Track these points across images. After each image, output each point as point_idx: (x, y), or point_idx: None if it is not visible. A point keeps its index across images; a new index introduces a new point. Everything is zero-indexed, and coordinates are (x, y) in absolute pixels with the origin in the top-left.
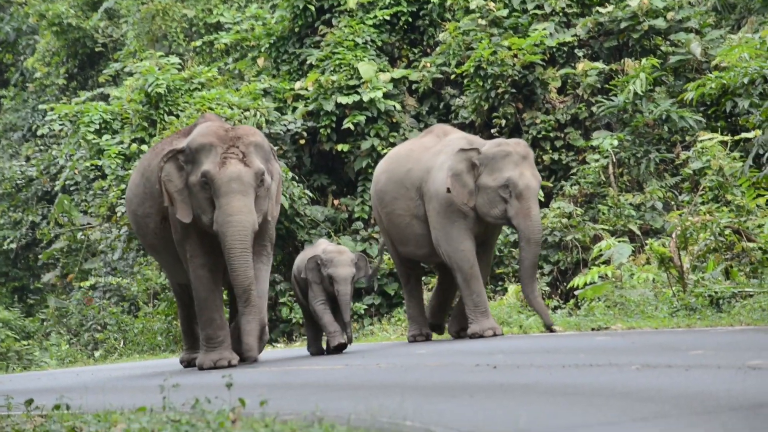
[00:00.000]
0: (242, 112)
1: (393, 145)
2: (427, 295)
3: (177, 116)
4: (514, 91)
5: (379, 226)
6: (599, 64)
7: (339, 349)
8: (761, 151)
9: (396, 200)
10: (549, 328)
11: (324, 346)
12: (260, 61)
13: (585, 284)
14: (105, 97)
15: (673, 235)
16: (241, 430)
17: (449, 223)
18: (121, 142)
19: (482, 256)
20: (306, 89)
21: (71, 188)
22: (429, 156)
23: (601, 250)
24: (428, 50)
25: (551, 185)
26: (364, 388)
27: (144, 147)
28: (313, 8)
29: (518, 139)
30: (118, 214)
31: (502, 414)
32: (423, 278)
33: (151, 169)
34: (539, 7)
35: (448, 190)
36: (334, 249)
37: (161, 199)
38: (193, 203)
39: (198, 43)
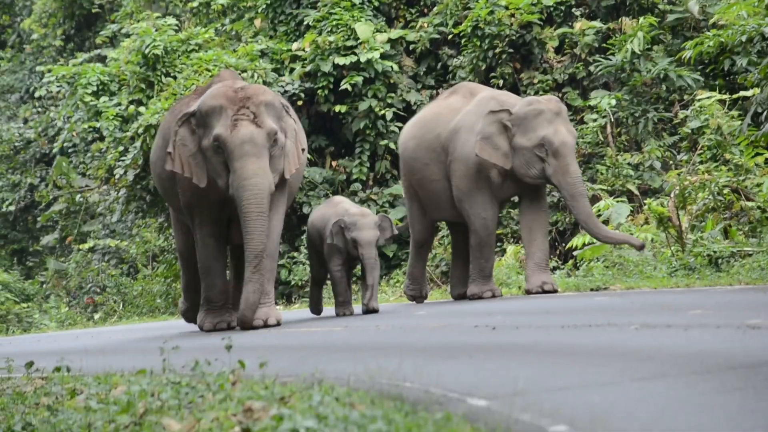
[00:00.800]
0: (240, 74)
1: (390, 106)
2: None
3: (174, 78)
4: (511, 51)
5: (406, 192)
6: (597, 24)
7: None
8: (759, 110)
9: (427, 166)
10: (641, 248)
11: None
12: (257, 22)
13: (583, 245)
14: (102, 59)
15: (672, 195)
16: (241, 391)
17: (475, 189)
18: (119, 104)
19: (530, 216)
20: (303, 50)
21: (69, 150)
22: (458, 118)
23: (599, 210)
24: (425, 10)
25: None
26: (363, 350)
27: (141, 109)
28: None
29: (550, 96)
30: (117, 176)
31: (501, 375)
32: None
33: (171, 132)
34: None
35: (476, 155)
36: (357, 211)
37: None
38: (207, 167)
39: (195, 3)
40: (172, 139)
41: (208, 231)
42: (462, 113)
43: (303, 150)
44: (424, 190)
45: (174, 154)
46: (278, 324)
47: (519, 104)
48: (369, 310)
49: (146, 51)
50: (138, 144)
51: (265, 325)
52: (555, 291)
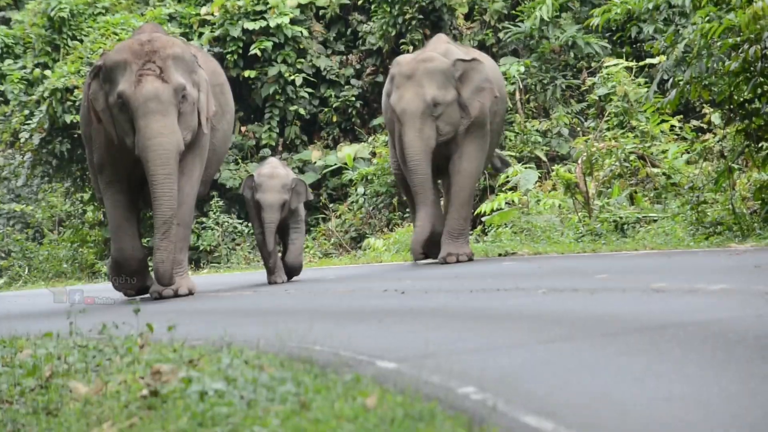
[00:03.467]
0: None
1: (300, 71)
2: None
3: (81, 41)
4: (421, 17)
5: None
6: None
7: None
8: (665, 77)
9: None
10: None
11: None
12: None
13: (492, 210)
14: (6, 21)
15: (579, 161)
16: (149, 354)
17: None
18: (24, 67)
19: (448, 180)
20: (212, 14)
21: None
22: None
23: (507, 177)
24: None
25: None
26: (273, 314)
27: (47, 72)
28: None
29: (419, 54)
30: (22, 140)
31: (410, 338)
32: None
33: (87, 87)
34: None
35: None
36: (266, 173)
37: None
38: (115, 126)
39: None
40: (84, 93)
41: (117, 188)
42: None
43: (222, 113)
44: None
45: (89, 109)
46: (190, 294)
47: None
48: (270, 282)
49: (52, 14)
50: (44, 108)
51: (176, 295)
52: (459, 263)
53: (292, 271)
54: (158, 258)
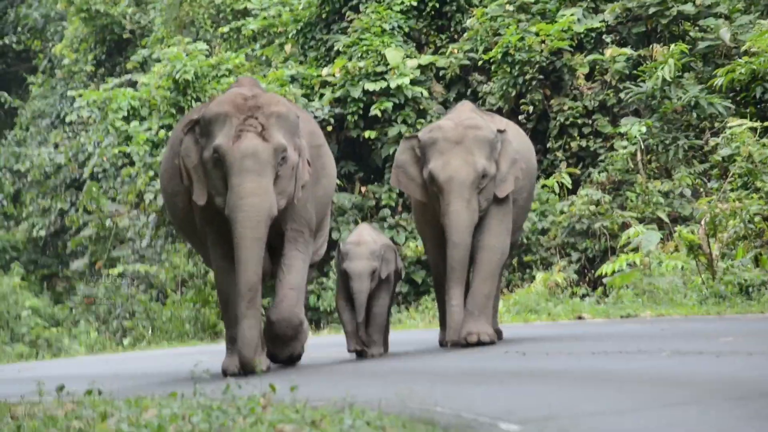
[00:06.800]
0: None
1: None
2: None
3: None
4: (541, 77)
5: None
6: (627, 50)
7: (358, 354)
8: None
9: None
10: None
11: None
12: (287, 48)
13: (613, 272)
14: (133, 84)
15: (702, 222)
16: (272, 415)
17: (422, 221)
18: (149, 129)
19: (474, 253)
20: (333, 75)
21: (99, 175)
22: None
23: (629, 238)
24: (455, 36)
25: (579, 172)
26: (394, 375)
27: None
28: None
29: (461, 120)
30: (146, 201)
31: (532, 399)
32: None
33: (177, 142)
34: None
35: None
36: (354, 239)
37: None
38: (207, 182)
39: (225, 29)
40: (178, 149)
41: (220, 253)
42: None
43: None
44: None
45: (180, 166)
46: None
47: (424, 130)
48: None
49: (177, 76)
50: None
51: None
52: (481, 343)
53: (370, 344)
54: (244, 326)
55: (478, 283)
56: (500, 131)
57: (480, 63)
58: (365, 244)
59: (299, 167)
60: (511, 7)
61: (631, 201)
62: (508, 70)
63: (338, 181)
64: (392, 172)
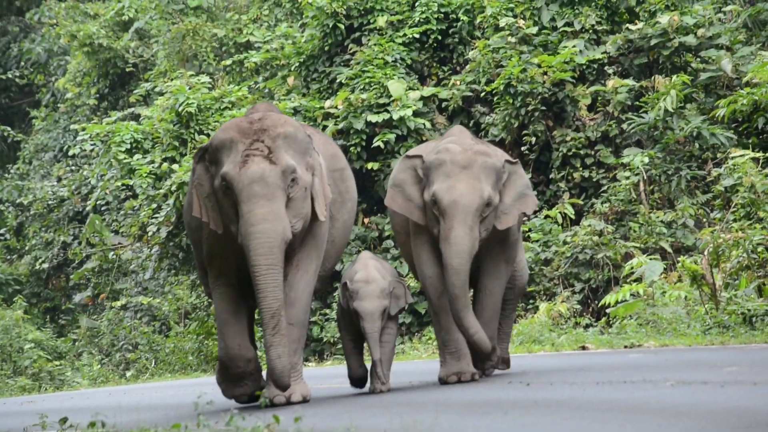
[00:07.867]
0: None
1: None
2: None
3: (208, 135)
4: (544, 108)
5: None
6: (629, 81)
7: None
8: None
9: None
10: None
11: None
12: (290, 80)
13: (617, 302)
14: (136, 117)
15: (705, 253)
16: None
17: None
18: (152, 162)
19: (476, 287)
20: (336, 108)
21: (102, 208)
22: None
23: (632, 268)
24: (458, 68)
25: (582, 203)
26: (398, 405)
27: (175, 166)
28: (342, 27)
29: (471, 145)
30: (149, 234)
31: (536, 430)
32: None
33: (192, 172)
34: (569, 24)
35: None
36: (362, 278)
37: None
38: (221, 211)
39: (228, 62)
40: (191, 179)
41: (224, 281)
42: None
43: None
44: None
45: (193, 197)
46: (305, 401)
47: (430, 150)
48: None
49: (180, 109)
50: (171, 201)
51: (289, 403)
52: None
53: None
54: (273, 354)
55: (486, 320)
56: (509, 162)
57: (482, 94)
58: (375, 282)
59: (315, 186)
60: (513, 39)
61: (634, 231)
62: (511, 101)
63: None
64: (388, 192)
